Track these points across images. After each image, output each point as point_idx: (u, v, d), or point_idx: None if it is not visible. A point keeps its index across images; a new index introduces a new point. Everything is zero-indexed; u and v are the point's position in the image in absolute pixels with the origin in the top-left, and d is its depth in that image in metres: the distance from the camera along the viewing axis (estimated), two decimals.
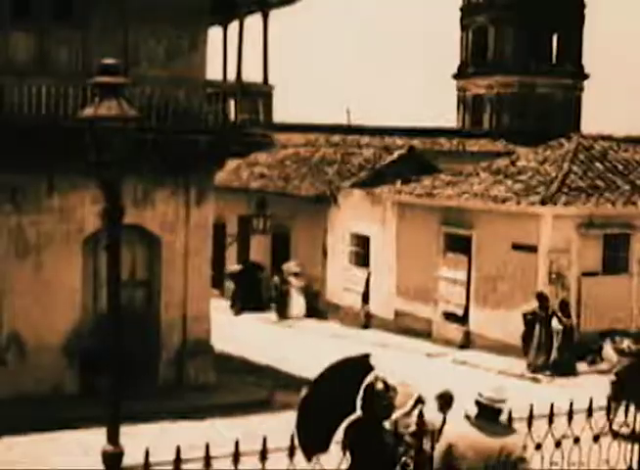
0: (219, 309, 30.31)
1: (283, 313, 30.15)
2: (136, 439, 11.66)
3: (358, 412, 8.70)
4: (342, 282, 29.46)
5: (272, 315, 30.40)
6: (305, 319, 30.03)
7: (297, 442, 7.90)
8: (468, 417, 7.99)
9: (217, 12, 19.75)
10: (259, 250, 32.73)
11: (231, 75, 20.10)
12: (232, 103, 19.18)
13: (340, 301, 29.52)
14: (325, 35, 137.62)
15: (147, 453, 7.28)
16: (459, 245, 25.13)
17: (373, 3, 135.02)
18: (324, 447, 8.80)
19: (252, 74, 19.65)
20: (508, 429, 7.82)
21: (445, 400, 11.19)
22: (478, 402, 7.89)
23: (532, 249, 22.87)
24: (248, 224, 31.11)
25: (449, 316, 25.53)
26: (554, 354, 21.32)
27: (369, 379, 8.92)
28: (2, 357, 17.85)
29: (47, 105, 17.16)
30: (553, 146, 26.36)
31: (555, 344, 21.18)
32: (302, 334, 27.78)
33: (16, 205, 17.87)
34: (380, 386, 8.95)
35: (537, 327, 21.38)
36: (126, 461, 8.24)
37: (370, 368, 9.03)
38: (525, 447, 7.74)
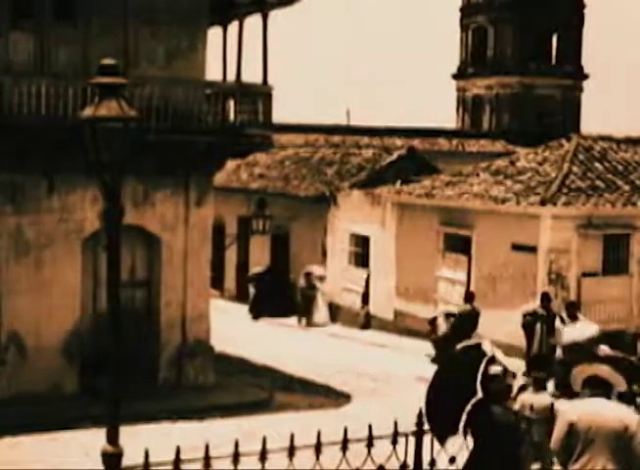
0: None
1: (307, 320, 28.98)
2: (136, 439, 11.66)
3: (479, 395, 9.15)
4: (341, 282, 29.46)
5: (294, 322, 29.16)
6: (331, 326, 28.71)
7: (428, 428, 8.93)
8: (584, 395, 8.49)
9: (217, 12, 19.76)
10: (259, 250, 32.71)
11: (230, 76, 20.11)
12: (231, 103, 19.17)
13: (339, 301, 29.50)
14: (325, 35, 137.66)
15: (147, 454, 7.29)
16: (459, 245, 25.14)
17: (373, 3, 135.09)
18: (453, 431, 9.32)
19: (252, 75, 19.68)
20: (625, 406, 8.50)
21: (539, 384, 13.10)
22: (595, 380, 8.34)
23: (532, 249, 22.87)
24: (247, 225, 31.04)
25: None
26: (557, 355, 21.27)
27: (486, 363, 9.46)
28: (2, 357, 17.85)
29: (47, 105, 17.17)
30: (552, 146, 26.36)
31: (558, 345, 21.14)
32: (302, 334, 27.76)
33: (16, 205, 17.88)
34: (496, 369, 9.45)
35: (538, 327, 21.34)
36: (126, 462, 8.24)
37: (485, 354, 9.61)
38: None
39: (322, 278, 29.12)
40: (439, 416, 9.45)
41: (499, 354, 20.65)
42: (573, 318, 21.28)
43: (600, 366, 8.93)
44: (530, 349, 21.77)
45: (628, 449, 8.10)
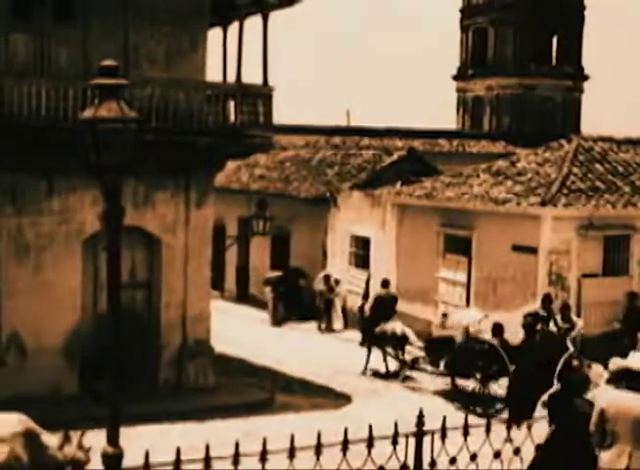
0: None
1: (329, 325, 28.40)
2: (136, 440, 11.67)
3: (557, 385, 9.55)
4: (342, 284, 29.42)
5: (311, 326, 28.60)
6: (346, 331, 28.06)
7: (507, 410, 9.53)
8: (622, 386, 8.97)
9: (217, 13, 19.77)
10: (259, 251, 32.71)
11: (231, 77, 20.12)
12: (232, 104, 19.18)
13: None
14: (325, 36, 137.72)
15: (147, 455, 7.29)
16: (459, 246, 25.13)
17: (373, 4, 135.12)
18: (529, 415, 9.75)
19: (252, 76, 19.68)
20: None
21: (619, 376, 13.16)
22: (624, 372, 8.64)
23: (532, 250, 22.86)
24: (247, 226, 30.98)
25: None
26: None
27: (565, 356, 9.95)
28: (2, 358, 17.85)
29: (47, 106, 17.17)
30: (553, 147, 26.34)
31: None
32: (303, 335, 27.74)
33: (16, 206, 17.88)
34: (575, 362, 9.80)
35: (539, 328, 21.36)
36: (126, 463, 8.24)
37: (566, 347, 10.09)
38: None
39: (338, 282, 28.62)
40: (518, 400, 9.75)
41: (412, 336, 22.30)
42: (567, 320, 21.34)
43: (634, 358, 9.17)
44: None
45: None
